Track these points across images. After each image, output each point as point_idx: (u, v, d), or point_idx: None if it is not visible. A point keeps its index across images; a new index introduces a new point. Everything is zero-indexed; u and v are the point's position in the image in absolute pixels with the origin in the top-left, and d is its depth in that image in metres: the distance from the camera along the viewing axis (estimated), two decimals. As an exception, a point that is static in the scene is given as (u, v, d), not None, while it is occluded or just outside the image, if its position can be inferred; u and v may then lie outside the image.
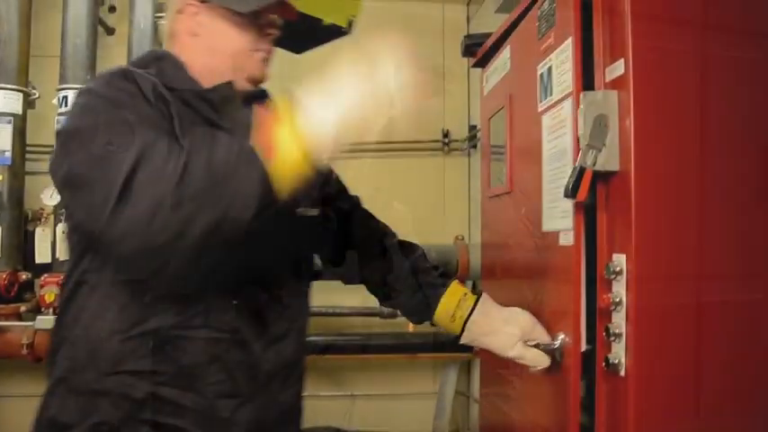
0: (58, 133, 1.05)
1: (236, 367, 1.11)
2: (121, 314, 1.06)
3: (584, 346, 1.20)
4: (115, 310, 1.06)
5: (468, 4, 3.70)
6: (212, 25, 1.18)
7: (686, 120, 1.10)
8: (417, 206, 3.21)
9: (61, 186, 1.02)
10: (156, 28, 2.91)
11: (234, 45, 1.18)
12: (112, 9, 3.47)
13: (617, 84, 1.11)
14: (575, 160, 1.14)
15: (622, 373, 1.07)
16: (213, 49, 1.18)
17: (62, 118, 2.78)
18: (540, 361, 1.26)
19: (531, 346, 1.26)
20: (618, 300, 1.09)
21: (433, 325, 1.41)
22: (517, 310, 1.32)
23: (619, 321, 1.09)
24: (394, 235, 1.50)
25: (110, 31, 3.39)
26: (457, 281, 1.40)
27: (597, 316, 1.15)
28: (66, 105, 2.84)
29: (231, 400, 1.10)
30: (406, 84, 0.95)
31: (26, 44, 2.89)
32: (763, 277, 1.13)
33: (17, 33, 2.83)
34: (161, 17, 1.31)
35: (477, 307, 1.33)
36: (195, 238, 0.88)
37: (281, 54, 1.33)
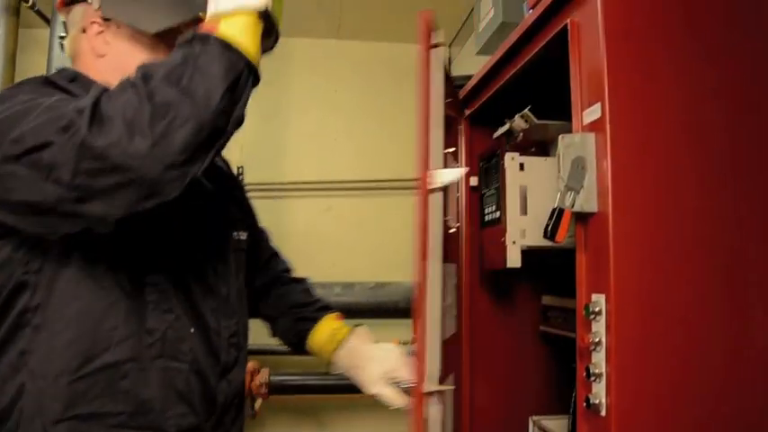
0: None
1: (196, 399, 1.07)
2: (68, 351, 0.97)
3: (430, 387, 1.21)
4: (61, 348, 0.97)
5: (449, 46, 3.77)
6: (119, 45, 1.11)
7: (663, 160, 1.12)
8: (400, 242, 3.21)
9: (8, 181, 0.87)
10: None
11: None
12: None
13: (594, 126, 1.14)
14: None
15: (603, 413, 1.07)
16: (121, 71, 1.01)
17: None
18: (396, 400, 1.27)
19: (393, 384, 1.28)
20: (598, 340, 1.09)
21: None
22: (388, 346, 1.34)
23: (599, 361, 1.09)
24: (287, 270, 1.57)
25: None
26: (335, 315, 1.45)
27: (577, 356, 1.16)
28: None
29: None
30: None
31: (11, 83, 2.89)
32: (744, 315, 1.14)
33: (1, 73, 2.83)
34: (63, 38, 1.27)
35: (346, 341, 1.37)
36: (181, 145, 0.84)
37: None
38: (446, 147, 1.93)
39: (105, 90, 0.87)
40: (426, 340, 1.21)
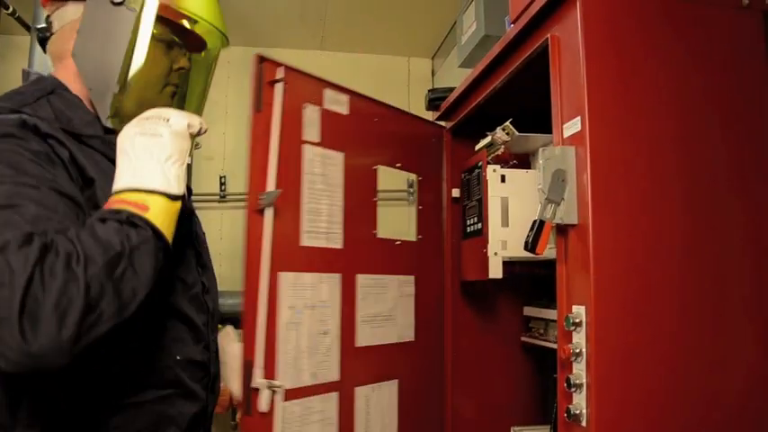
0: None
1: (187, 420, 1.10)
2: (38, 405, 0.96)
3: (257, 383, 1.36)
4: (30, 402, 0.95)
5: (432, 58, 3.79)
6: None
7: (643, 173, 1.14)
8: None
9: None
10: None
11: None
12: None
13: (575, 140, 1.15)
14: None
15: (584, 423, 1.08)
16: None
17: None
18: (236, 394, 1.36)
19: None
20: (578, 351, 1.10)
21: None
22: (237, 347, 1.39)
23: (579, 372, 1.10)
24: None
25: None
26: None
27: (558, 367, 1.16)
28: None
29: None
30: None
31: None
32: (724, 326, 1.16)
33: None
34: (45, 33, 1.15)
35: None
36: (94, 338, 0.82)
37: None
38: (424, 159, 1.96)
39: (41, 246, 0.80)
40: (256, 342, 1.37)
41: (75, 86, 1.10)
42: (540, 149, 1.17)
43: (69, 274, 0.79)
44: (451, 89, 1.96)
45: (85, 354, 0.81)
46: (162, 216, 0.94)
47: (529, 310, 1.87)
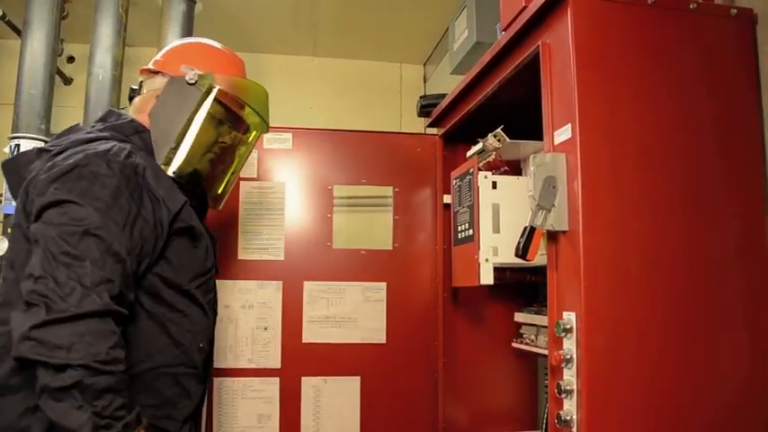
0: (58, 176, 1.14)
1: (195, 396, 1.33)
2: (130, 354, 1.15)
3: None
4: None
5: (424, 65, 3.81)
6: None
7: (633, 180, 1.15)
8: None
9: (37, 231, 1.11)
10: (114, 79, 2.90)
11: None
12: (71, 59, 3.46)
13: (565, 147, 1.16)
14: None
15: (575, 429, 1.08)
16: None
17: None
18: None
19: None
20: (568, 357, 1.10)
21: None
22: None
23: (570, 378, 1.10)
24: None
25: (67, 81, 3.37)
26: None
27: (549, 373, 1.17)
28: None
29: (191, 423, 1.33)
30: None
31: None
32: (714, 332, 1.16)
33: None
34: (135, 93, 1.48)
35: None
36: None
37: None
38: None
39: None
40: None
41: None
42: (531, 156, 1.17)
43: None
44: (443, 95, 1.97)
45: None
46: None
47: (520, 317, 1.87)
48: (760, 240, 1.22)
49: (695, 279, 1.16)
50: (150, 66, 1.46)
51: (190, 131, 1.38)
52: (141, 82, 1.46)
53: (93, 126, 1.37)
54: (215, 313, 1.44)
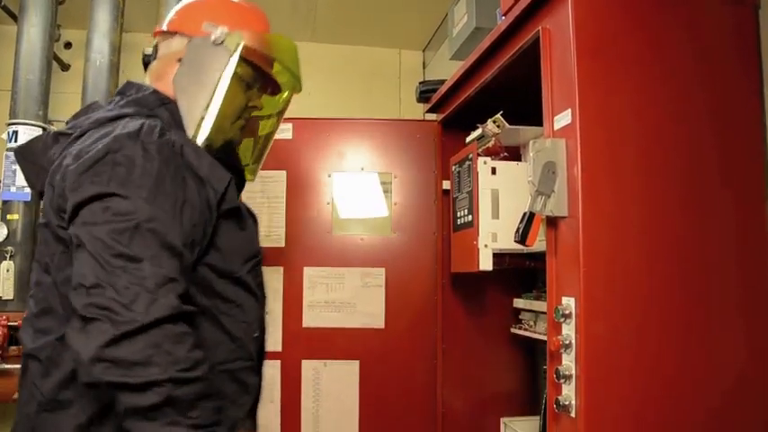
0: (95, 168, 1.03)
1: (253, 390, 1.24)
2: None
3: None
4: None
5: (423, 50, 3.79)
6: None
7: (633, 166, 1.15)
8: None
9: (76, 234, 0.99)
10: (112, 65, 2.89)
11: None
12: (68, 45, 3.44)
13: (565, 132, 1.16)
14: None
15: (573, 413, 1.09)
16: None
17: (13, 155, 2.72)
18: None
19: None
20: (567, 342, 1.11)
21: None
22: None
23: (568, 363, 1.11)
24: None
25: (65, 67, 3.35)
26: None
27: (548, 358, 1.17)
28: (15, 141, 2.77)
29: (249, 418, 1.24)
30: None
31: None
32: (712, 318, 1.17)
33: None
34: (150, 57, 1.35)
35: None
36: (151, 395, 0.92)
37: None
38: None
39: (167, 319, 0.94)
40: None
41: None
42: (531, 142, 1.17)
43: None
44: (442, 81, 1.96)
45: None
46: None
47: (519, 302, 1.88)
48: (759, 227, 1.22)
49: (694, 264, 1.17)
50: (165, 27, 1.32)
51: (221, 97, 1.23)
52: (156, 45, 1.33)
53: (112, 101, 1.25)
54: (264, 297, 1.32)
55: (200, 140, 1.20)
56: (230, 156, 1.33)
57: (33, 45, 2.82)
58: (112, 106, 1.22)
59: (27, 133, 2.81)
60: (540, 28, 1.24)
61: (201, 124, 1.21)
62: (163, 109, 1.21)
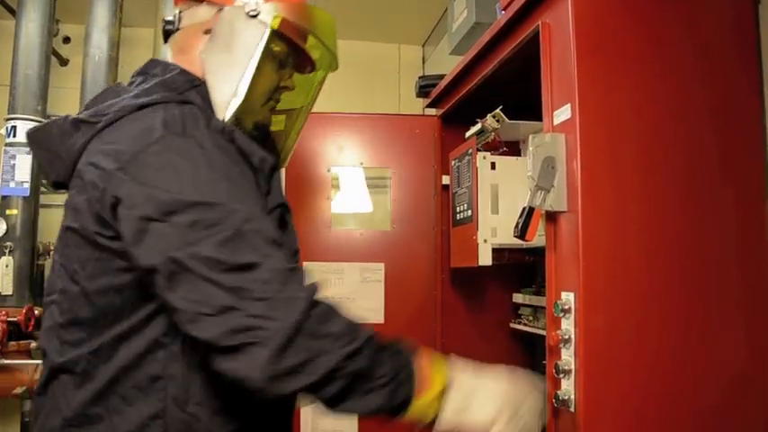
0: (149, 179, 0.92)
1: (289, 414, 1.15)
2: (210, 381, 0.97)
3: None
4: (207, 376, 0.97)
5: (423, 45, 3.78)
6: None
7: (633, 161, 1.15)
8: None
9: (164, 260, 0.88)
10: (110, 60, 2.88)
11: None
12: (67, 40, 3.43)
13: (565, 127, 1.15)
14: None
15: (572, 408, 1.09)
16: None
17: (12, 149, 2.72)
18: None
19: None
20: (567, 337, 1.11)
21: None
22: None
23: (568, 358, 1.11)
24: None
25: (63, 62, 3.34)
26: None
27: (547, 353, 1.17)
28: (14, 136, 2.77)
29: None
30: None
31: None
32: (710, 313, 1.17)
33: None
34: (171, 26, 1.19)
35: None
36: (331, 390, 0.89)
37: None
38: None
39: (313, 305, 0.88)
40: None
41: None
42: (530, 136, 1.17)
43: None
44: (442, 76, 1.96)
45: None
46: (415, 412, 0.95)
47: (518, 297, 1.88)
48: (759, 224, 1.22)
49: (694, 260, 1.17)
50: None
51: (255, 76, 1.10)
52: (179, 13, 1.18)
53: (134, 82, 1.13)
54: None
55: (227, 114, 1.09)
56: (267, 141, 1.27)
57: (32, 40, 2.82)
58: (137, 89, 1.09)
59: (25, 129, 2.81)
60: (539, 23, 1.24)
61: (233, 106, 1.09)
62: (194, 92, 1.09)
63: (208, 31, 1.13)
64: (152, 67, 1.14)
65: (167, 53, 1.20)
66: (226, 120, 1.08)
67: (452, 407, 0.96)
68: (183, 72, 1.11)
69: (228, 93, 1.09)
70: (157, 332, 0.97)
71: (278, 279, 0.88)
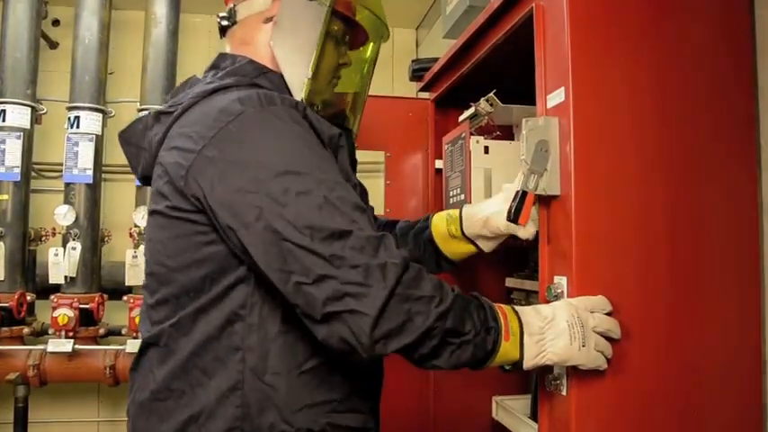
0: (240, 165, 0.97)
1: (379, 375, 1.19)
2: (292, 350, 1.03)
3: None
4: (284, 347, 1.02)
5: (417, 29, 3.76)
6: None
7: (627, 145, 1.14)
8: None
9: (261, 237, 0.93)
10: (101, 43, 2.85)
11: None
12: (56, 23, 3.39)
13: (558, 110, 1.15)
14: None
15: (564, 392, 1.10)
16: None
17: (1, 134, 2.71)
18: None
19: None
20: (559, 320, 1.11)
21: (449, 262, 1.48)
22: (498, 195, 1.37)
23: (560, 341, 1.11)
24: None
25: (53, 45, 3.30)
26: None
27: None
28: (3, 120, 2.74)
29: (376, 414, 1.18)
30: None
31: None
32: (702, 300, 1.17)
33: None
34: (228, 21, 1.25)
35: (462, 212, 1.41)
36: (421, 353, 0.95)
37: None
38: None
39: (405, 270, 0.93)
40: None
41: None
42: (524, 120, 1.16)
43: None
44: (436, 59, 1.95)
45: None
46: (500, 358, 1.00)
47: (510, 282, 1.88)
48: (750, 209, 1.23)
49: (686, 244, 1.17)
50: None
51: (322, 54, 1.18)
52: (233, 7, 1.23)
53: (207, 75, 1.20)
54: None
55: (303, 95, 1.15)
56: (339, 119, 1.31)
57: (20, 22, 2.79)
58: (210, 79, 1.16)
59: (15, 112, 2.79)
60: (533, 5, 1.23)
61: (307, 86, 1.15)
62: (263, 78, 1.15)
63: (268, 20, 1.19)
64: (222, 61, 1.20)
65: (226, 48, 1.26)
66: (304, 99, 1.13)
67: (530, 350, 1.01)
68: (251, 62, 1.17)
69: (302, 74, 1.15)
70: (235, 304, 1.01)
71: (370, 245, 0.91)
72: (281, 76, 1.17)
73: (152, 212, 1.08)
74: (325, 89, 1.24)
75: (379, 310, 0.88)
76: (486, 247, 1.39)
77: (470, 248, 1.40)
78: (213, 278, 1.01)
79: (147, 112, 1.16)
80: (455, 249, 1.43)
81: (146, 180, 1.17)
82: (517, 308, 1.05)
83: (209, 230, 1.00)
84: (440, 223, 1.44)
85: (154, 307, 1.07)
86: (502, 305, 1.04)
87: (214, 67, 1.20)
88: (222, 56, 1.22)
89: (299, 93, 1.15)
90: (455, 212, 1.42)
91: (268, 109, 1.00)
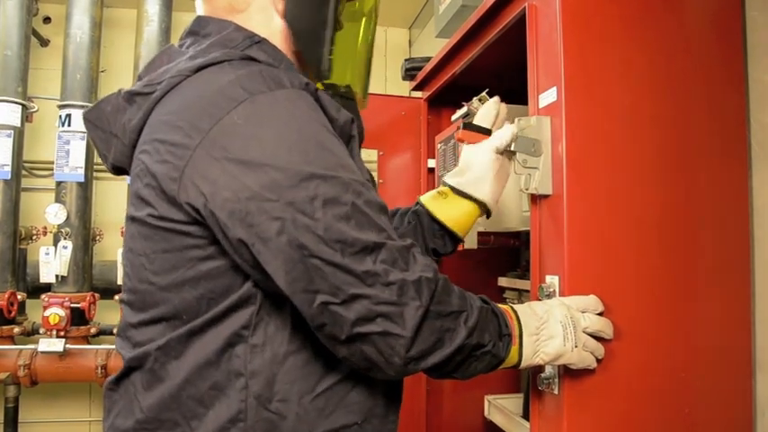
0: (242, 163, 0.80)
1: (400, 393, 1.06)
2: (303, 371, 0.89)
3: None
4: (294, 369, 0.88)
5: (410, 28, 3.76)
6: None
7: (618, 145, 1.15)
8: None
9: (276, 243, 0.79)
10: (92, 41, 2.84)
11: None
12: (47, 20, 3.37)
13: (550, 110, 1.15)
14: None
15: (556, 391, 1.10)
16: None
17: None
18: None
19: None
20: (551, 320, 1.11)
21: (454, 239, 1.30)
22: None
23: (552, 341, 1.11)
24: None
25: (44, 43, 3.29)
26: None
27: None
28: (-6, 118, 2.73)
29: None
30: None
31: None
32: (694, 299, 1.18)
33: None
34: None
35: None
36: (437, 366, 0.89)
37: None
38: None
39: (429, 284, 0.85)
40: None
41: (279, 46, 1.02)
42: (516, 119, 1.17)
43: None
44: (429, 59, 1.95)
45: None
46: (507, 362, 0.98)
47: (503, 281, 1.89)
48: (741, 209, 1.23)
49: (677, 245, 1.17)
50: None
51: (333, 26, 1.02)
52: None
53: (184, 43, 0.99)
54: None
55: (321, 76, 1.02)
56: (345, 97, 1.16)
57: (11, 19, 2.77)
58: (190, 50, 0.95)
59: (5, 110, 2.77)
60: (526, 5, 1.23)
61: (326, 62, 1.01)
62: (256, 49, 0.94)
63: None
64: (203, 26, 0.99)
65: (200, 11, 1.05)
66: (326, 79, 1.02)
67: (527, 350, 0.99)
68: (239, 28, 0.96)
69: (322, 49, 1.00)
70: (237, 325, 0.87)
71: (402, 258, 0.83)
72: (275, 48, 0.98)
73: (132, 219, 0.90)
74: (349, 62, 1.14)
75: (415, 331, 0.81)
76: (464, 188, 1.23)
77: (468, 206, 1.23)
78: (211, 298, 0.86)
79: (116, 92, 0.96)
80: (450, 211, 1.25)
81: (117, 170, 1.01)
82: (515, 307, 1.03)
83: (205, 244, 0.84)
84: (427, 194, 1.30)
85: (137, 327, 0.92)
86: (505, 307, 1.02)
87: (192, 32, 1.00)
88: (201, 20, 1.01)
89: (320, 69, 1.01)
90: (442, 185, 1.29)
91: (278, 93, 0.84)
